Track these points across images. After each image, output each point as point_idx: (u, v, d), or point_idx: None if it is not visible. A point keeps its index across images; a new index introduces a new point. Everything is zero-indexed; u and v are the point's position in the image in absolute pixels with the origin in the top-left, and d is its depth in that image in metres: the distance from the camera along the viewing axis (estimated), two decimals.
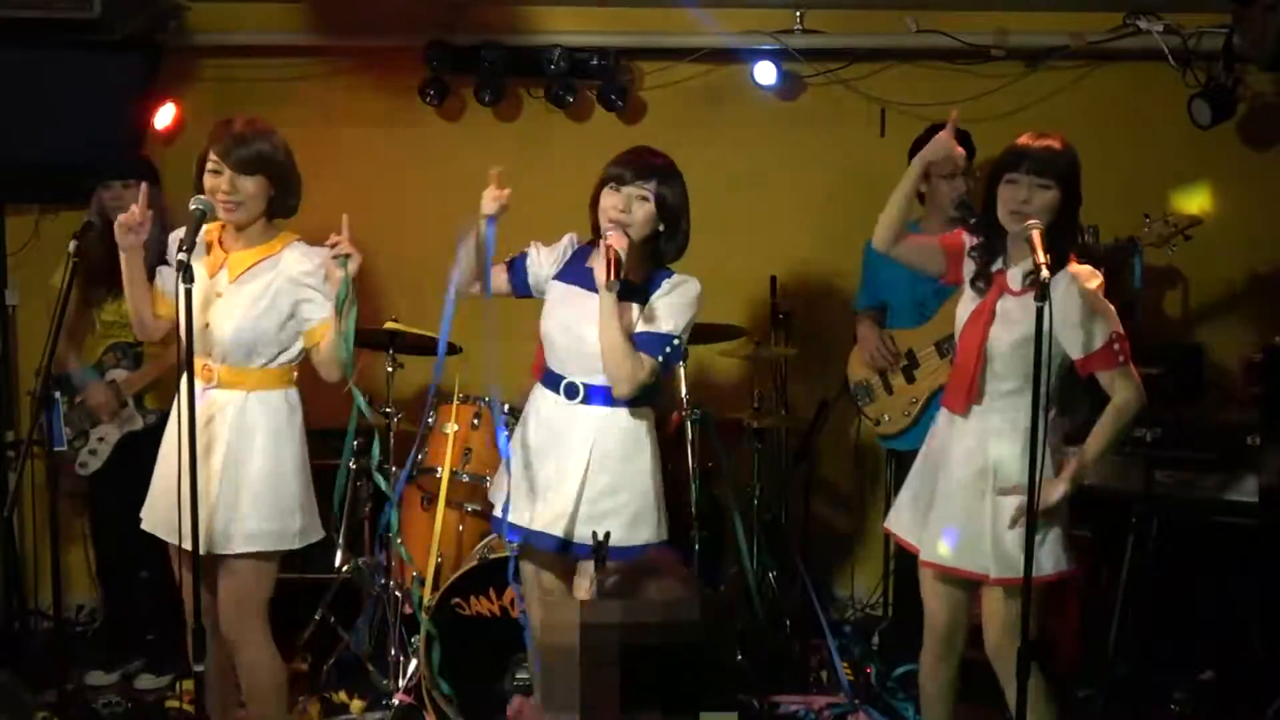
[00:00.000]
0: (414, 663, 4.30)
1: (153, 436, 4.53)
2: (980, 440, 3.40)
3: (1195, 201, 4.86)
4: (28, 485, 5.11)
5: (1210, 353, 5.09)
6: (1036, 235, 3.17)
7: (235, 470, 3.45)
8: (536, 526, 3.45)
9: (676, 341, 3.41)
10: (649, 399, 3.50)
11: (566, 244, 3.60)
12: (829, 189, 5.43)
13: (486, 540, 4.44)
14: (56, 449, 4.53)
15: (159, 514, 3.51)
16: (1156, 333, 5.21)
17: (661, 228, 3.42)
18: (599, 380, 3.41)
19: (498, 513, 3.56)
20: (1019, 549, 3.25)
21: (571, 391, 3.44)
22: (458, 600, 4.14)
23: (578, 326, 3.41)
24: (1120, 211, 4.93)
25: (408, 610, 4.41)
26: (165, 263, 3.59)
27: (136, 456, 4.58)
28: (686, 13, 5.20)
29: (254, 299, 3.46)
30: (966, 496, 3.40)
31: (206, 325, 3.45)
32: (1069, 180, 3.35)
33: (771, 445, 5.13)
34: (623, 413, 3.45)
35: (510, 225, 5.42)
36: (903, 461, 4.67)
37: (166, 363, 4.29)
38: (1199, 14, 5.05)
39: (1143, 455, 4.32)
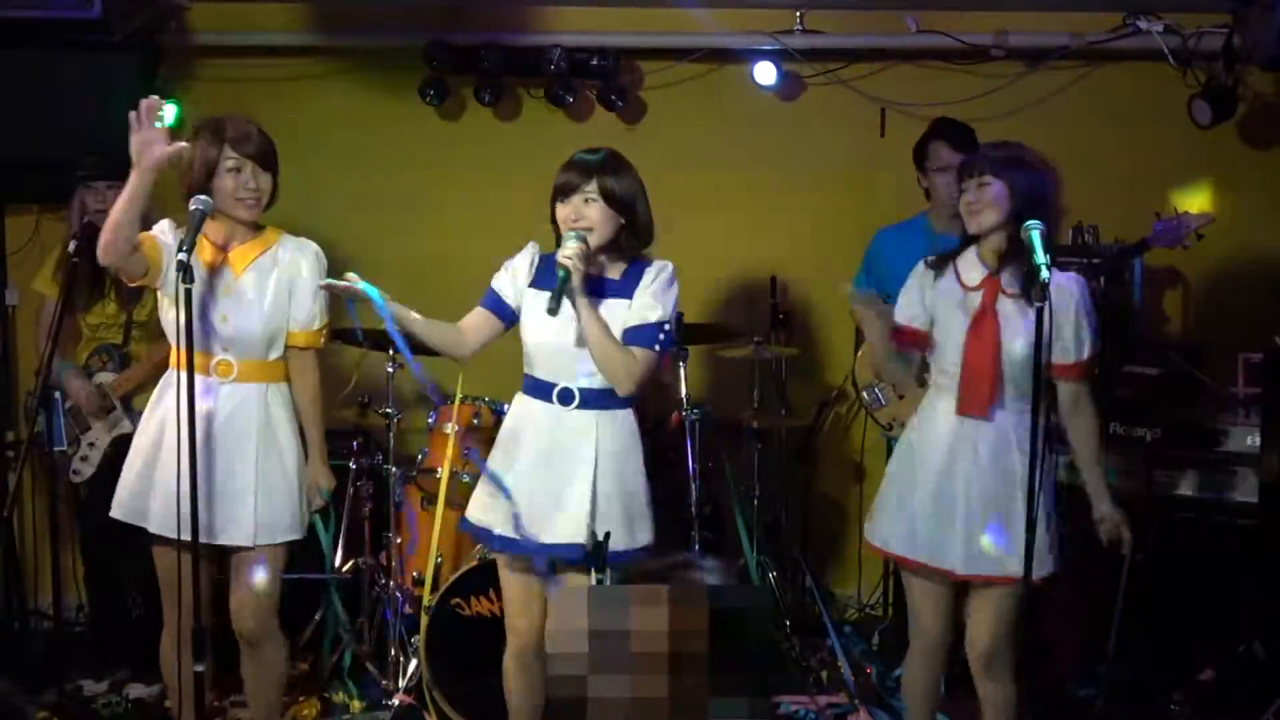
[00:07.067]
0: (414, 663, 4.29)
1: None
2: (1003, 440, 3.38)
3: (1195, 201, 4.85)
4: (28, 485, 5.10)
5: (1210, 353, 5.09)
6: (1038, 235, 3.16)
7: (275, 461, 3.51)
8: (560, 539, 3.33)
9: (668, 327, 3.36)
10: (640, 395, 3.46)
11: (532, 254, 3.51)
12: (829, 189, 5.42)
13: None
14: (56, 449, 4.52)
15: (156, 508, 3.44)
16: (1156, 332, 5.21)
17: (622, 221, 3.35)
18: (593, 383, 3.36)
19: (503, 531, 3.39)
20: (1045, 545, 3.34)
21: (566, 397, 3.38)
22: (457, 600, 4.14)
23: (563, 332, 3.34)
24: (1120, 211, 4.94)
25: (408, 610, 4.41)
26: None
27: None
28: (686, 13, 5.20)
29: (271, 290, 3.51)
30: (1001, 499, 3.37)
31: (224, 318, 3.46)
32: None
33: (771, 445, 5.13)
34: (619, 413, 3.41)
35: (510, 225, 5.46)
36: None
37: (154, 363, 4.25)
38: (1199, 14, 5.05)
39: (1143, 455, 4.31)
